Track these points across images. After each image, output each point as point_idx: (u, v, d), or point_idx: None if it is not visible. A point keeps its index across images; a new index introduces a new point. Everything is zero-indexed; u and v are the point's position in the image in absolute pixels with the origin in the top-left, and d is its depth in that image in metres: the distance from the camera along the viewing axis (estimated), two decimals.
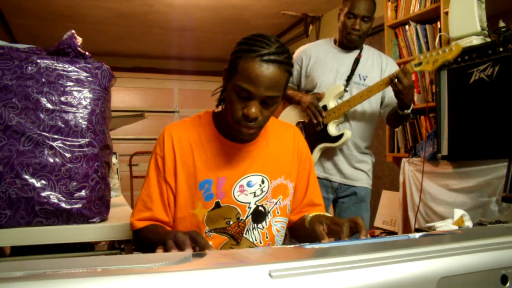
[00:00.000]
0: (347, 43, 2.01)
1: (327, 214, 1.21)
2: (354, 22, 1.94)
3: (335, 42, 2.11)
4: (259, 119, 1.07)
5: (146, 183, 1.20)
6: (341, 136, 1.95)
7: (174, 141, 1.18)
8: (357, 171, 2.05)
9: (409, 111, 1.85)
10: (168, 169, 1.17)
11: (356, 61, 2.02)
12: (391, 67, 2.05)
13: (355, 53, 2.04)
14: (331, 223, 1.05)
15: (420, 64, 1.78)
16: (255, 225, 1.21)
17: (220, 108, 1.22)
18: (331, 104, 1.97)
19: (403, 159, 2.67)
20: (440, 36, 2.51)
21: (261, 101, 1.05)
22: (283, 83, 1.07)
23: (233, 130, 1.12)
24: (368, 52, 2.07)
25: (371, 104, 2.01)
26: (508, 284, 0.59)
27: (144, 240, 1.15)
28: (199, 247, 0.85)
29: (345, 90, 1.98)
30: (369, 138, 2.09)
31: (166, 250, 0.86)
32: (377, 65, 2.05)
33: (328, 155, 2.04)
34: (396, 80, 1.74)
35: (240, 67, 1.03)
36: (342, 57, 2.05)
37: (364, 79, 2.01)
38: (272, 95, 1.04)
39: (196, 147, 1.18)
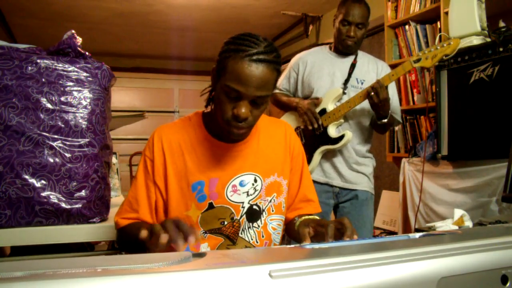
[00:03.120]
0: (342, 49, 2.03)
1: (316, 217, 1.21)
2: (349, 29, 1.96)
3: (330, 48, 2.12)
4: (249, 119, 1.07)
5: (133, 185, 1.20)
6: (341, 137, 1.94)
7: (164, 143, 1.17)
8: (357, 174, 2.04)
9: (386, 120, 1.89)
10: (157, 172, 1.16)
11: (353, 66, 2.04)
12: (386, 71, 2.06)
13: (351, 58, 2.06)
14: (317, 225, 1.04)
15: (419, 60, 1.78)
16: (250, 224, 1.21)
17: (209, 108, 1.22)
18: (330, 107, 1.98)
19: (403, 159, 2.67)
20: (440, 36, 2.51)
21: (251, 101, 1.05)
22: (272, 82, 1.07)
23: (224, 131, 1.12)
24: (363, 58, 2.09)
25: (369, 108, 2.01)
26: (508, 284, 0.59)
27: (127, 237, 1.14)
28: (184, 235, 0.84)
29: (344, 93, 1.99)
30: (368, 141, 2.09)
31: (152, 232, 0.85)
32: (373, 70, 2.06)
33: (328, 158, 2.03)
34: (372, 93, 1.79)
35: (229, 67, 1.03)
36: (338, 62, 2.06)
37: (362, 83, 2.02)
38: (261, 94, 1.04)
39: (186, 149, 1.18)
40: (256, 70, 1.01)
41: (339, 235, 0.96)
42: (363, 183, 2.05)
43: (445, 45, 1.73)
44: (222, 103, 1.06)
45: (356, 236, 0.94)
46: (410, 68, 1.79)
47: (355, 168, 2.03)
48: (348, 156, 2.02)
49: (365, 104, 1.97)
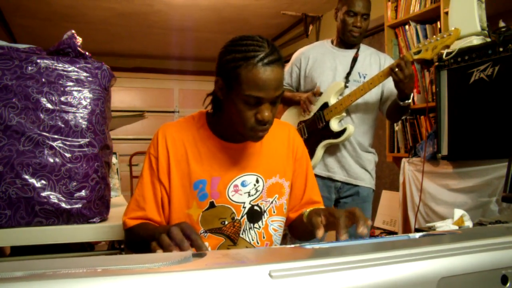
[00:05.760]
0: (348, 40, 2.02)
1: (324, 207, 1.21)
2: (355, 20, 1.96)
3: (332, 42, 2.12)
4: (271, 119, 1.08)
5: (139, 183, 1.20)
6: (343, 131, 1.94)
7: (168, 141, 1.18)
8: (361, 170, 2.04)
9: (409, 101, 1.86)
10: (162, 169, 1.17)
11: (354, 60, 2.03)
12: (389, 64, 2.05)
13: (352, 52, 2.05)
14: (328, 215, 1.04)
15: (419, 52, 1.78)
16: (251, 225, 1.21)
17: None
18: (332, 101, 1.97)
19: (403, 159, 2.67)
20: None
21: (271, 102, 1.07)
22: (283, 78, 1.09)
23: (246, 137, 1.12)
24: (365, 51, 2.08)
25: (372, 99, 2.02)
26: (508, 284, 0.59)
27: (135, 238, 1.15)
28: (193, 246, 0.84)
29: (346, 86, 1.99)
30: (371, 136, 2.09)
31: (163, 248, 0.85)
32: (375, 63, 2.06)
33: (331, 152, 2.03)
34: (396, 69, 1.74)
35: (244, 77, 1.02)
36: (340, 56, 2.06)
37: (364, 77, 2.01)
38: (279, 94, 1.07)
39: (190, 147, 1.18)
40: (271, 73, 1.02)
41: (350, 224, 0.97)
42: (366, 179, 2.05)
43: (445, 36, 1.72)
44: (242, 112, 1.06)
45: (369, 222, 0.94)
46: (410, 59, 1.78)
47: (359, 162, 2.03)
48: (352, 150, 2.02)
49: (368, 97, 1.97)
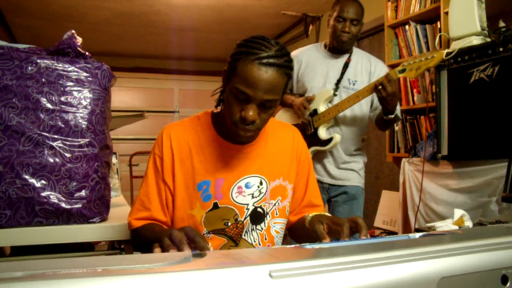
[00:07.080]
0: (337, 46, 2.03)
1: (327, 214, 1.21)
2: (344, 25, 1.98)
3: (325, 46, 2.13)
4: (256, 122, 1.07)
5: (144, 183, 1.20)
6: (330, 140, 1.99)
7: (173, 141, 1.18)
8: (346, 171, 2.09)
9: (392, 116, 1.89)
10: (166, 169, 1.17)
11: (346, 66, 2.05)
12: (380, 70, 2.06)
13: (344, 57, 2.07)
14: (331, 223, 1.05)
15: (403, 70, 1.82)
16: (254, 226, 1.21)
17: (219, 108, 1.23)
18: (321, 108, 2.01)
19: (403, 159, 2.67)
20: (440, 36, 2.51)
21: (259, 104, 1.05)
22: (281, 86, 1.06)
23: (231, 132, 1.12)
24: (358, 56, 2.09)
25: (361, 108, 2.04)
26: (508, 284, 0.59)
27: (142, 239, 1.14)
28: (196, 248, 0.85)
29: (335, 94, 2.01)
30: (358, 141, 2.13)
31: (163, 249, 0.85)
32: (365, 69, 2.07)
33: (318, 157, 2.08)
34: (380, 87, 1.79)
35: (239, 70, 1.03)
36: (332, 61, 2.07)
37: (354, 84, 2.03)
38: (270, 98, 1.04)
39: (194, 148, 1.18)
40: (265, 74, 1.01)
41: (351, 233, 0.99)
42: (353, 178, 2.09)
43: (429, 57, 1.76)
44: (230, 105, 1.07)
45: (368, 236, 0.96)
46: (394, 77, 1.82)
47: (343, 166, 2.09)
48: (337, 156, 2.07)
49: (357, 106, 2.00)
